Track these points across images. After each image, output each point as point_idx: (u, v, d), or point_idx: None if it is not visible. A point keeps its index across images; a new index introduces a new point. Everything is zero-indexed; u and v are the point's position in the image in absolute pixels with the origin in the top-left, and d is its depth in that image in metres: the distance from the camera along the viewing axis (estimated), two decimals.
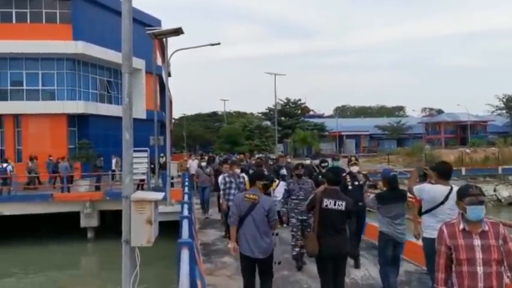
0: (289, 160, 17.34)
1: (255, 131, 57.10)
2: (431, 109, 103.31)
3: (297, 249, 7.78)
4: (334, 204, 5.28)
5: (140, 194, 4.87)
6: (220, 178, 10.31)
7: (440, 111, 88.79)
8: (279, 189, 9.75)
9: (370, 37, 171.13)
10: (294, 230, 7.85)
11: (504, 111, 71.51)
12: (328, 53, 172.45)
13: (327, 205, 5.29)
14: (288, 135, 57.88)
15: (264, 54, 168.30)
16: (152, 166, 21.58)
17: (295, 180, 8.05)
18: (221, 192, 9.75)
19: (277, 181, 10.70)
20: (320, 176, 9.05)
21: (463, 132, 66.94)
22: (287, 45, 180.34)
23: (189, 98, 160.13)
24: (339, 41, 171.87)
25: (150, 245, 4.57)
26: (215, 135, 62.76)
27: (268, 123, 62.42)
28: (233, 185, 9.57)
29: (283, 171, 11.58)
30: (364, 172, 8.50)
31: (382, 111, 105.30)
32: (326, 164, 10.85)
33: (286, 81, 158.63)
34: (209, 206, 14.13)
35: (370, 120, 79.30)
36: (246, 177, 9.93)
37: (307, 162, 13.31)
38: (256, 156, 20.95)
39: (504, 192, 30.56)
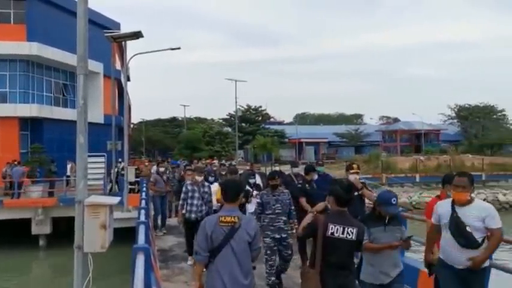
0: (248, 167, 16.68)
1: (216, 136, 57.03)
2: (388, 117, 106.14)
3: (272, 278, 6.46)
4: (343, 232, 4.01)
5: (94, 199, 4.75)
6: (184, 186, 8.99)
7: (396, 120, 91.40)
8: (253, 201, 8.22)
9: (331, 45, 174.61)
10: (269, 252, 6.49)
11: (455, 120, 74.64)
12: (290, 60, 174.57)
13: (333, 233, 4.00)
14: (248, 141, 58.08)
15: (225, 60, 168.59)
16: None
17: (269, 191, 6.77)
18: (180, 201, 8.61)
19: (254, 193, 9.03)
20: (309, 187, 7.70)
21: (418, 140, 69.14)
22: (249, 52, 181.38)
23: (148, 103, 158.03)
24: (300, 48, 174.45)
25: (104, 250, 4.46)
26: (175, 140, 62.18)
27: (229, 129, 62.48)
28: (196, 195, 8.45)
29: (257, 180, 9.91)
30: (362, 180, 7.29)
31: (341, 119, 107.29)
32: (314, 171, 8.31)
33: (247, 88, 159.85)
34: (165, 219, 12.84)
35: (329, 128, 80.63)
36: (215, 187, 8.81)
37: (276, 169, 11.15)
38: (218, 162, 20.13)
39: None
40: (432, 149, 57.33)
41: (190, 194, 8.43)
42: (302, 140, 66.62)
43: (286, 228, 6.55)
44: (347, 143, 72.34)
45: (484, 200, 29.71)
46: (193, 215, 8.39)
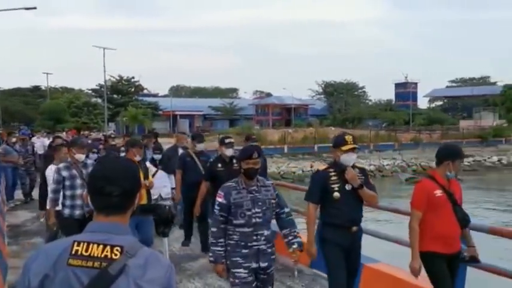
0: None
1: (83, 107, 53.93)
2: (261, 92, 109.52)
3: None
4: None
5: None
6: (49, 172, 6.12)
7: (269, 95, 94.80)
8: (158, 183, 6.15)
9: (209, 19, 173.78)
10: None
11: (322, 96, 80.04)
12: (165, 32, 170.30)
13: None
14: (120, 113, 55.84)
15: (95, 28, 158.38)
16: None
17: (240, 182, 3.73)
18: (50, 194, 5.59)
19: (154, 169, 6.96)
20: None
21: (288, 114, 72.73)
22: (121, 21, 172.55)
23: (6, 70, 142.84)
24: (176, 20, 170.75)
25: None
26: (37, 111, 57.38)
27: (99, 100, 59.35)
28: (77, 182, 5.44)
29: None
30: (359, 165, 4.45)
31: (216, 93, 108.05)
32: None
33: (121, 59, 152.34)
34: (14, 191, 11.91)
35: (204, 101, 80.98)
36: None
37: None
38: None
39: (319, 168, 33.95)
40: (301, 123, 60.80)
41: (68, 183, 5.44)
42: (177, 113, 65.94)
43: (270, 251, 3.74)
44: (222, 116, 73.37)
45: None
46: (77, 211, 5.44)
